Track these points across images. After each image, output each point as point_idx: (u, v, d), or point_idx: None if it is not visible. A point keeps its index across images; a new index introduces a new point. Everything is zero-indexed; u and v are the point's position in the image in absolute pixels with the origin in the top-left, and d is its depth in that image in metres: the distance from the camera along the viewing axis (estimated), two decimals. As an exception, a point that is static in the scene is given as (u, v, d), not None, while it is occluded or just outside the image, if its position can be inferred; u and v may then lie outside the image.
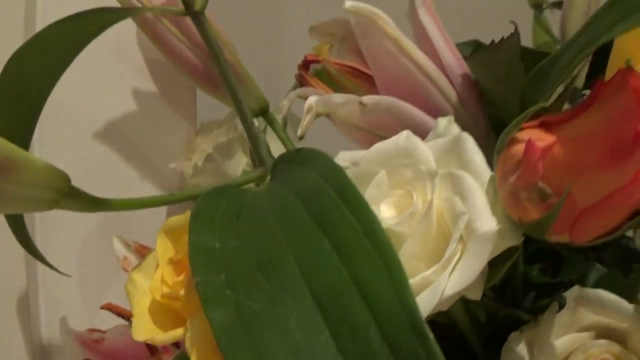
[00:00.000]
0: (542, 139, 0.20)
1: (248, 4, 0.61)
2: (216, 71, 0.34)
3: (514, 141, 0.21)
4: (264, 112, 0.37)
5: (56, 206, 0.25)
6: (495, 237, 0.21)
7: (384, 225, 0.23)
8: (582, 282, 0.29)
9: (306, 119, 0.26)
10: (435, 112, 0.28)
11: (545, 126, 0.21)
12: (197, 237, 0.24)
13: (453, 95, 0.28)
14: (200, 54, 0.34)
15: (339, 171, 0.23)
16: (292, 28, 0.63)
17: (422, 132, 0.27)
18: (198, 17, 0.27)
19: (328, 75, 0.27)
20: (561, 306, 0.25)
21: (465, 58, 0.28)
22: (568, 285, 0.27)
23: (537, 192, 0.20)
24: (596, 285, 0.29)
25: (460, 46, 0.51)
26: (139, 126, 0.37)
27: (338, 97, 0.26)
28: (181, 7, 0.27)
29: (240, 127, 0.37)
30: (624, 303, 0.26)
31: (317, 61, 0.28)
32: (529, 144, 0.20)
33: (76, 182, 0.37)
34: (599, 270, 0.30)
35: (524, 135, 0.21)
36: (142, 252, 0.34)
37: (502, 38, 0.26)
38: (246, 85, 0.35)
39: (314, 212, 0.23)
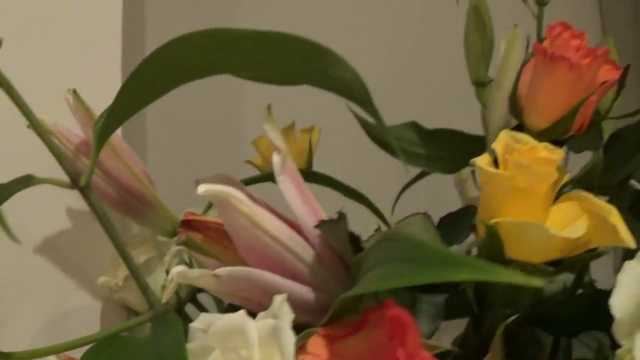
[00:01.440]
0: (319, 353, 0.25)
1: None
2: (129, 199, 0.41)
3: (301, 349, 0.25)
4: (176, 233, 0.42)
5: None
6: None
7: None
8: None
9: (169, 288, 0.31)
10: (293, 274, 0.32)
11: (327, 338, 0.25)
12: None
13: (309, 256, 0.32)
14: (114, 185, 0.40)
15: (181, 349, 0.29)
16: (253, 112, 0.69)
17: (280, 293, 0.31)
18: (84, 191, 0.33)
19: (193, 244, 0.32)
20: None
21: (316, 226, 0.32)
22: None
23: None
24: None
25: (402, 128, 0.55)
26: (73, 241, 0.43)
27: (194, 272, 0.31)
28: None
29: (161, 243, 0.43)
30: None
31: (195, 221, 0.33)
32: (301, 365, 0.24)
33: (19, 291, 0.44)
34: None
35: (310, 345, 0.25)
36: (71, 361, 0.40)
37: (337, 217, 0.31)
38: (158, 211, 0.41)
39: (162, 384, 0.29)
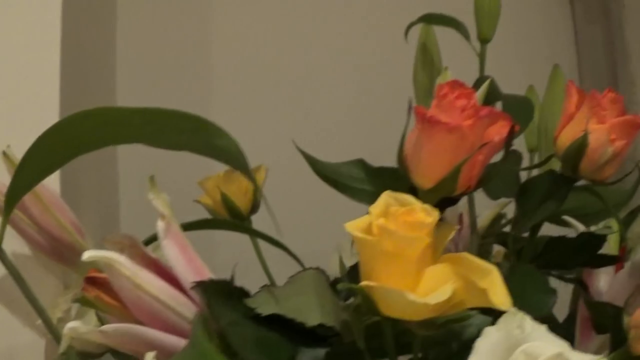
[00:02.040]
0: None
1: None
2: (60, 248, 0.45)
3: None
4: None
5: None
6: None
7: None
8: None
9: (63, 341, 0.35)
10: (175, 329, 0.36)
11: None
12: None
13: (191, 312, 0.36)
14: (45, 235, 0.45)
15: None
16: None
17: (163, 349, 0.35)
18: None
19: (87, 301, 0.36)
20: None
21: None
22: None
23: None
24: None
25: (348, 165, 0.58)
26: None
27: (82, 327, 0.35)
28: None
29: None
30: None
31: (97, 278, 0.37)
32: None
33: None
34: None
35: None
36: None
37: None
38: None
39: None
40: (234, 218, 0.54)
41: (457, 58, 0.57)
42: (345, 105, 0.79)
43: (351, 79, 0.80)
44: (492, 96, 0.52)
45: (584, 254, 0.42)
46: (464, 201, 0.62)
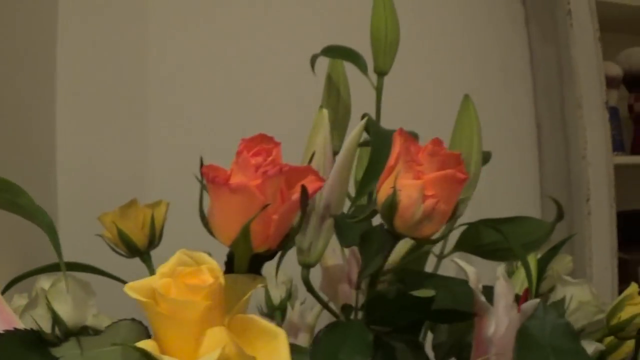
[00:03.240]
0: None
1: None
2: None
3: None
4: None
5: None
6: None
7: None
8: None
9: None
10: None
11: None
12: None
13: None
14: None
15: None
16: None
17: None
18: None
19: None
20: None
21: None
22: None
23: None
24: None
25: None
26: None
27: None
28: None
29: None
30: None
31: None
32: None
33: None
34: None
35: None
36: None
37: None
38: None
39: None
40: (131, 252, 0.58)
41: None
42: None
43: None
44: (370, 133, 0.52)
45: (411, 313, 0.42)
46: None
